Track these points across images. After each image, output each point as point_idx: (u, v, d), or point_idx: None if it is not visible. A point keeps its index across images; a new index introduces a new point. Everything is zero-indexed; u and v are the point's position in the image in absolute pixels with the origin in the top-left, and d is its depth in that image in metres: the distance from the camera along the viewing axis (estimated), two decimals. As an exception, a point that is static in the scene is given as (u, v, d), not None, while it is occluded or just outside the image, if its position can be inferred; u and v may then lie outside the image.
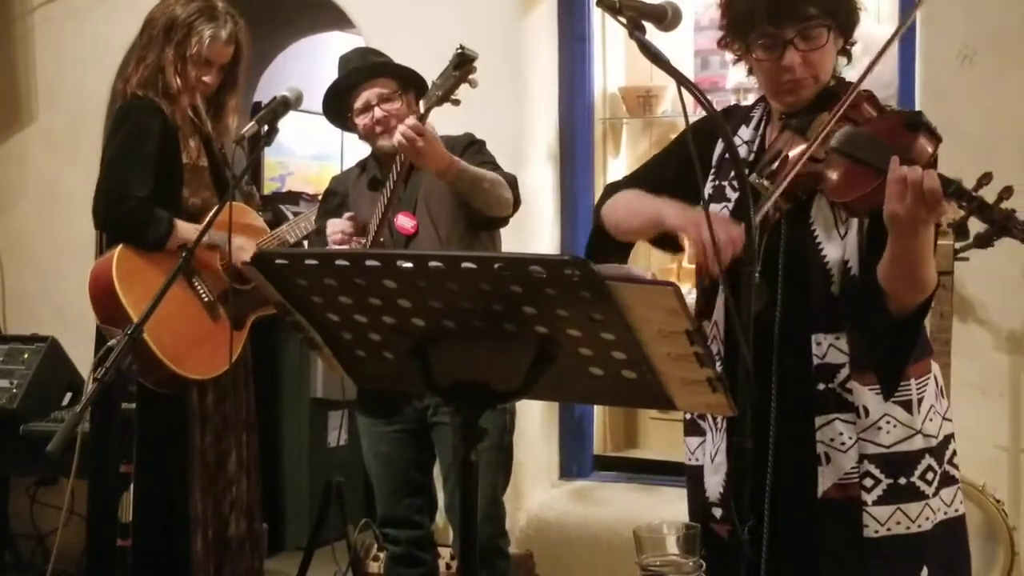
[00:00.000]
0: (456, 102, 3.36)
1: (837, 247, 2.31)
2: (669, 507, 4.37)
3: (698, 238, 2.26)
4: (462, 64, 3.30)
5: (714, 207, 2.43)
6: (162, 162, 3.60)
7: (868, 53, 4.27)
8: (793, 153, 2.31)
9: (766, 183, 2.27)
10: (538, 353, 1.78)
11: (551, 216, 4.68)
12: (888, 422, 2.31)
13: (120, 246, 3.54)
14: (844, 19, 2.38)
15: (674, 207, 2.40)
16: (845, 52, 2.44)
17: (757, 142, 2.48)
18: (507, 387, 1.85)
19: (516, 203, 3.57)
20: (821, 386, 2.32)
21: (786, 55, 2.32)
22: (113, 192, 3.55)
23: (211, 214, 2.93)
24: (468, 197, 3.46)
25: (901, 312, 2.27)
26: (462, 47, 3.31)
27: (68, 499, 3.69)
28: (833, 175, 2.25)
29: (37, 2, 5.42)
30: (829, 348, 2.31)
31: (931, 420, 2.36)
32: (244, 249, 3.52)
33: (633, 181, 2.63)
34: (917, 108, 3.86)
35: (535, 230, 4.56)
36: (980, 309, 3.79)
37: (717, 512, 2.44)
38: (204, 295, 3.63)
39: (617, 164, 4.96)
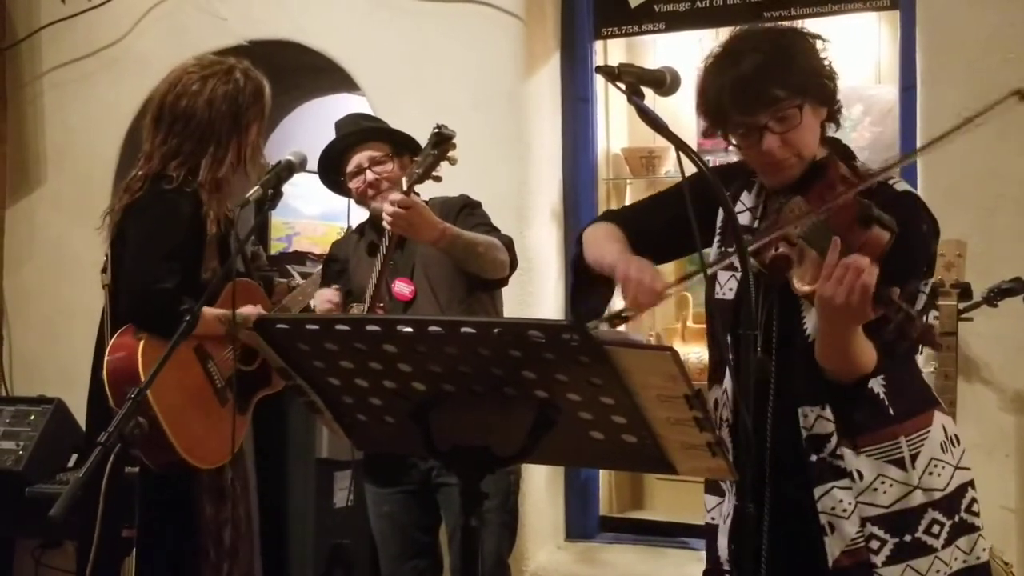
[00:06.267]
0: (438, 179, 3.36)
1: (815, 319, 2.31)
2: (676, 569, 4.34)
3: (620, 277, 2.37)
4: (440, 143, 3.29)
5: (723, 276, 2.46)
6: (191, 247, 3.42)
7: (869, 114, 4.34)
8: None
9: (753, 262, 2.27)
10: (538, 417, 1.79)
11: (555, 276, 4.68)
12: (883, 482, 2.33)
13: (145, 337, 3.35)
14: (817, 92, 2.37)
15: (622, 256, 2.45)
16: (832, 118, 2.44)
17: (760, 209, 2.48)
18: (507, 451, 1.86)
19: (513, 264, 3.57)
20: (814, 457, 2.34)
21: (764, 140, 2.33)
22: (140, 287, 3.36)
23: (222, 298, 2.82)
24: (463, 263, 3.47)
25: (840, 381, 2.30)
26: (439, 126, 3.30)
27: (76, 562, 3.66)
28: (800, 264, 2.26)
29: (46, 67, 5.47)
30: (816, 419, 2.34)
31: (932, 474, 2.36)
32: (250, 319, 3.47)
33: (622, 219, 2.66)
34: (919, 170, 3.87)
35: (539, 290, 4.57)
36: (985, 370, 3.78)
37: (727, 573, 2.47)
38: (217, 380, 3.55)
39: (621, 224, 4.97)
